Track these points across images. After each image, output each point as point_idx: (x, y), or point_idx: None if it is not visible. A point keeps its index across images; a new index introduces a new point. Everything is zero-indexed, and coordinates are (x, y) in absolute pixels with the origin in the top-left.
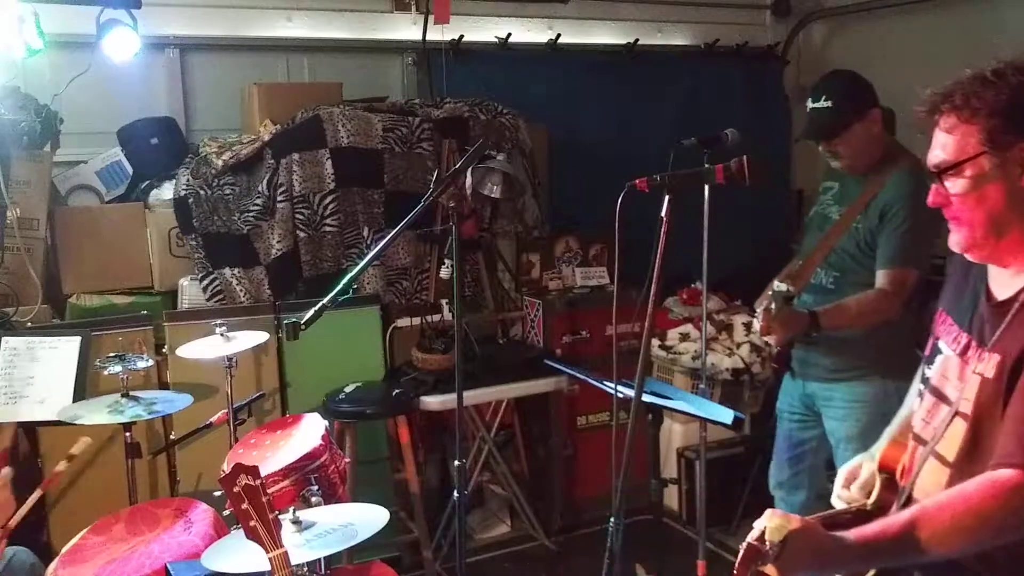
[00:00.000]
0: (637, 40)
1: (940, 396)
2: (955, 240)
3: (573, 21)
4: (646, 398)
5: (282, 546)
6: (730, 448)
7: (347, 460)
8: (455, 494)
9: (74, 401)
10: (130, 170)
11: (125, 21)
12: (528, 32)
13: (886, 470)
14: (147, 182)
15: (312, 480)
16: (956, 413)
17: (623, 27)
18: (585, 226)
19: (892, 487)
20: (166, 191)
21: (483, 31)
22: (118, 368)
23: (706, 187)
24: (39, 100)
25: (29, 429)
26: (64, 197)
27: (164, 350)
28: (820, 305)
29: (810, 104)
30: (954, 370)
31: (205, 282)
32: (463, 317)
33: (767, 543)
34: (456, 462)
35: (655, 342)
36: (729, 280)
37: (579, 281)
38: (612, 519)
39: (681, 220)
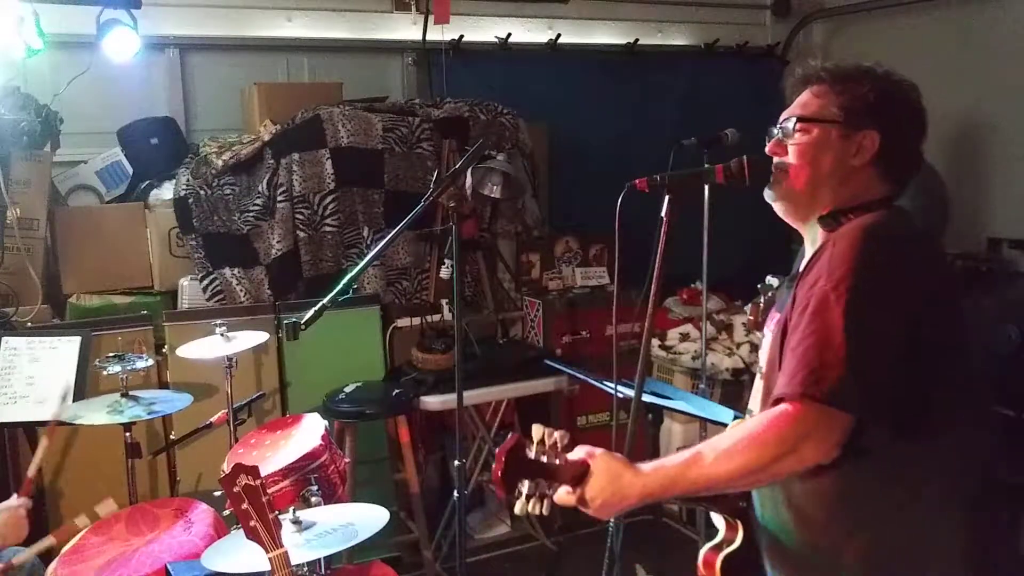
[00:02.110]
0: (637, 40)
1: (761, 373)
2: (773, 191)
3: (573, 21)
4: (646, 398)
5: (282, 546)
6: None
7: (347, 460)
8: (455, 494)
9: (74, 401)
10: (130, 170)
11: (125, 21)
12: (528, 32)
13: None
14: (147, 182)
15: (312, 480)
16: None
17: (623, 27)
18: (585, 226)
19: None
20: (166, 191)
21: (483, 31)
22: (118, 368)
23: (706, 187)
24: (39, 100)
25: (29, 429)
26: (64, 197)
27: (164, 350)
28: None
29: None
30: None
31: (205, 282)
32: (463, 317)
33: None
34: (456, 462)
35: (655, 342)
36: (729, 280)
37: (579, 281)
38: (612, 519)
39: (681, 220)
